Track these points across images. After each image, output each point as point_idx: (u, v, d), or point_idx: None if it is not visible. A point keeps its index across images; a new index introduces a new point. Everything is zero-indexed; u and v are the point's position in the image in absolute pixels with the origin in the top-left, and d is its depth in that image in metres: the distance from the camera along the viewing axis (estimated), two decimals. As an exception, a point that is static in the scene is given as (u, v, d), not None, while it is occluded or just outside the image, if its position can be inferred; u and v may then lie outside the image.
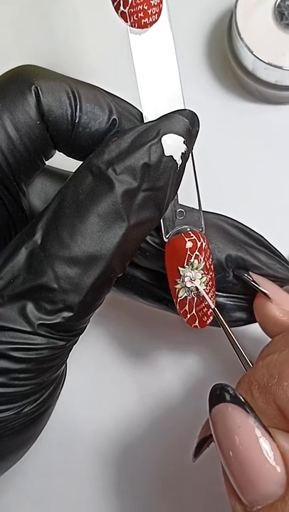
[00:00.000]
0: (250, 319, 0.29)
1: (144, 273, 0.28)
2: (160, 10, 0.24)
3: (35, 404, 0.23)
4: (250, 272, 0.27)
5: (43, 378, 0.23)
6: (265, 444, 0.20)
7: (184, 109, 0.24)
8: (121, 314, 0.35)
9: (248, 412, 0.21)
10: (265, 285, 0.27)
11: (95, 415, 0.34)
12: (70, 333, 0.22)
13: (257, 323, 0.29)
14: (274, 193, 0.37)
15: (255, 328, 0.29)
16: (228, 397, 0.21)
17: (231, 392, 0.21)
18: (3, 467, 0.25)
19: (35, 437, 0.25)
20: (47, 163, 0.25)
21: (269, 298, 0.27)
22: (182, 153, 0.23)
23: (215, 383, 0.22)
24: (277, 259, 0.28)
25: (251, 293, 0.28)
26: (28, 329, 0.21)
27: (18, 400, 0.22)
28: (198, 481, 0.32)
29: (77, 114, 0.23)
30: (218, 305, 0.27)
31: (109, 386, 0.34)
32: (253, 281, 0.27)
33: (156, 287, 0.28)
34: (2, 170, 0.23)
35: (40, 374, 0.22)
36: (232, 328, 0.27)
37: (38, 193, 0.27)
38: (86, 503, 0.33)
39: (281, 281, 0.28)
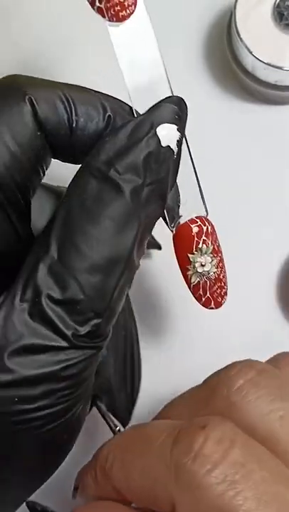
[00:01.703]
0: None
1: None
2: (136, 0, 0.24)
3: (74, 417, 0.23)
4: None
5: (82, 390, 0.22)
6: None
7: (171, 96, 0.24)
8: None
9: None
10: None
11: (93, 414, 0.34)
12: (100, 338, 0.22)
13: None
14: (274, 193, 0.37)
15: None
16: None
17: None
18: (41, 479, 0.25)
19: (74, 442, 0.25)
20: None
21: None
22: (177, 140, 0.23)
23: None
24: None
25: None
26: (65, 345, 0.21)
27: (63, 415, 0.22)
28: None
29: (74, 118, 0.23)
30: None
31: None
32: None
33: None
34: (11, 190, 0.22)
35: (80, 386, 0.22)
36: None
37: (37, 207, 0.26)
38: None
39: None
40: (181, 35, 0.38)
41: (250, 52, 0.35)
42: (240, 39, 0.35)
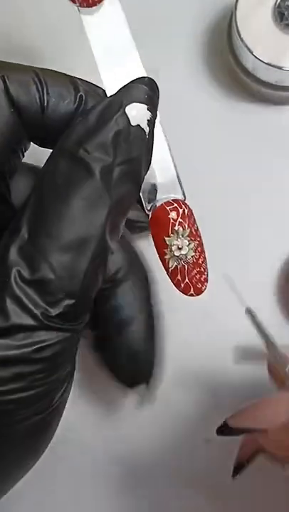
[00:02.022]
0: None
1: None
2: None
3: (52, 403, 0.23)
4: None
5: (58, 375, 0.22)
6: None
7: (142, 77, 0.24)
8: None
9: None
10: None
11: (92, 417, 0.34)
12: (75, 322, 0.22)
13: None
14: (274, 193, 0.37)
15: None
16: None
17: None
18: (23, 471, 0.25)
19: (51, 436, 0.25)
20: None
21: None
22: (148, 120, 0.23)
23: None
24: None
25: None
26: (34, 324, 0.21)
27: (37, 400, 0.22)
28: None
29: (45, 97, 0.23)
30: None
31: (105, 387, 0.34)
32: None
33: None
34: None
35: (56, 371, 0.22)
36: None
37: (19, 190, 0.26)
38: (86, 502, 0.33)
39: None
40: (181, 35, 0.38)
41: (251, 52, 0.35)
42: (241, 39, 0.35)
